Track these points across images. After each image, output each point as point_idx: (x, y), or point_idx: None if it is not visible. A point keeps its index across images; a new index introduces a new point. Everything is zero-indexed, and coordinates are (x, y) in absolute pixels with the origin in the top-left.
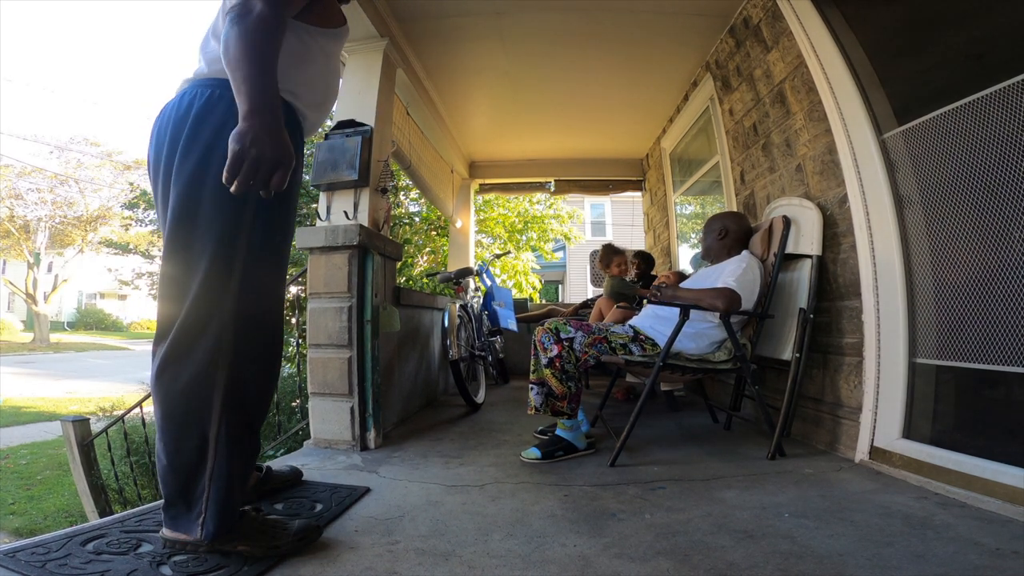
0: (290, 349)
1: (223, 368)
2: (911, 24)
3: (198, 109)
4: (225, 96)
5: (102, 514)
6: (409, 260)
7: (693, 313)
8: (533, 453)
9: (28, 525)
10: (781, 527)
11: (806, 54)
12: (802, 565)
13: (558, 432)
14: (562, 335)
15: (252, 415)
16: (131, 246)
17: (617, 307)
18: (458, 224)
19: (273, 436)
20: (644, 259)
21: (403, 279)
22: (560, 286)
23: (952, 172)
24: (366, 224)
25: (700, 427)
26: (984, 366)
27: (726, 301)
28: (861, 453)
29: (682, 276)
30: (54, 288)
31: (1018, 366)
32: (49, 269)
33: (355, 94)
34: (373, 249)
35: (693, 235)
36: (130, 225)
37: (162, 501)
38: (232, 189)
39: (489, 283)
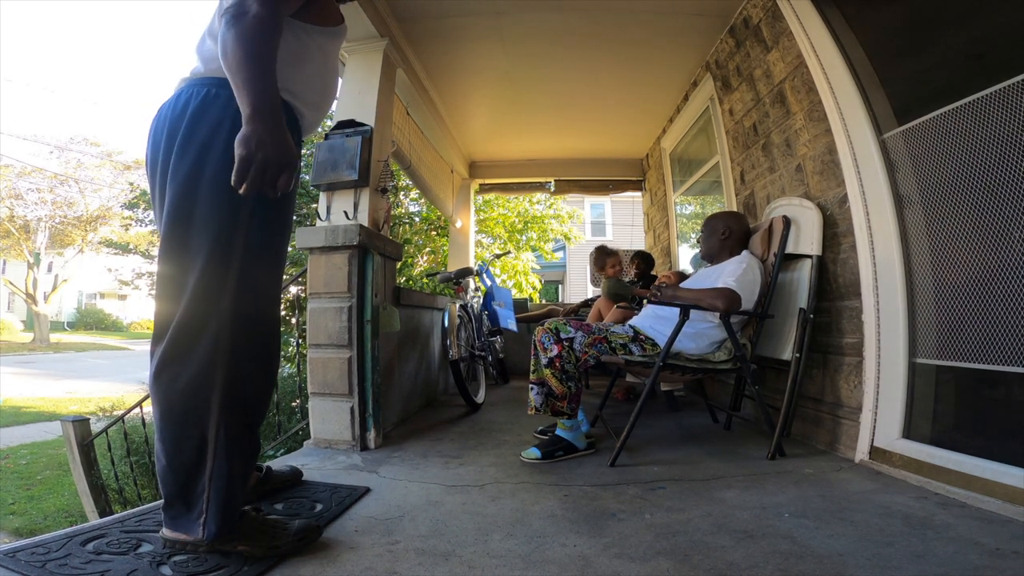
0: (290, 349)
1: (221, 367)
2: (911, 24)
3: (194, 108)
4: (221, 95)
5: (102, 514)
6: (409, 260)
7: (693, 313)
8: (533, 453)
9: (28, 525)
10: (781, 527)
11: (806, 54)
12: (802, 565)
13: (558, 432)
14: (562, 335)
15: (251, 415)
16: (131, 246)
17: (617, 307)
18: (458, 224)
19: (273, 436)
20: (644, 259)
21: (403, 279)
22: (560, 286)
23: (952, 172)
24: (366, 224)
25: (700, 427)
26: (984, 366)
27: (726, 301)
28: (861, 453)
29: (682, 276)
30: (54, 288)
31: (1018, 366)
32: (49, 269)
33: (355, 94)
34: (373, 249)
35: (693, 235)
36: (130, 225)
37: (162, 501)
38: (240, 191)
39: (489, 283)
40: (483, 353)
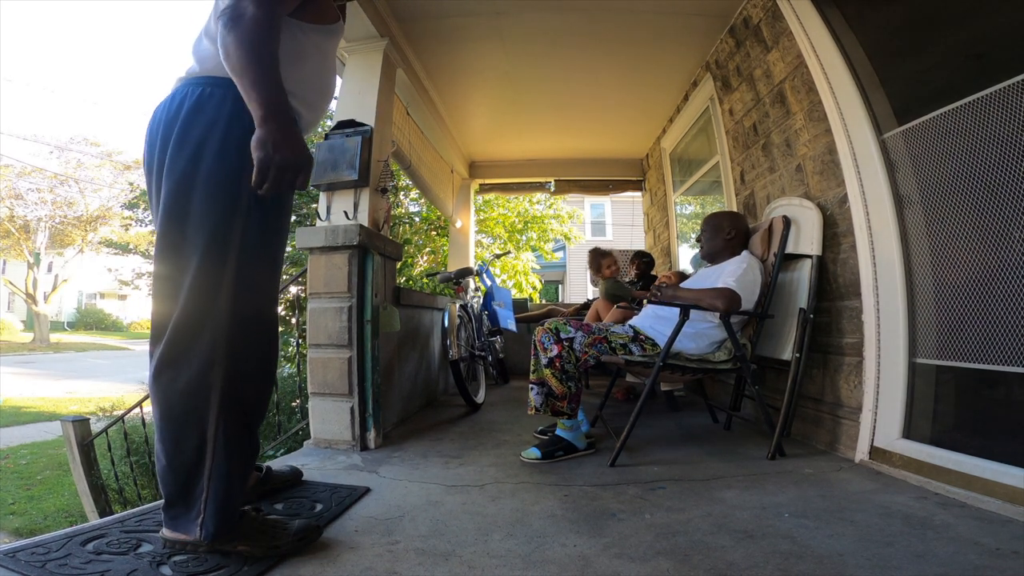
0: (290, 349)
1: (220, 367)
2: (911, 24)
3: (189, 107)
4: (215, 94)
5: (102, 514)
6: (409, 260)
7: (693, 313)
8: (533, 453)
9: (28, 525)
10: (781, 527)
11: (806, 54)
12: (802, 565)
13: (558, 432)
14: (562, 335)
15: (250, 414)
16: (131, 246)
17: (617, 307)
18: (458, 224)
19: (273, 436)
20: (644, 259)
21: (403, 279)
22: (560, 286)
23: (952, 172)
24: (366, 224)
25: (700, 427)
26: (984, 366)
27: (726, 301)
28: (861, 453)
29: (683, 276)
30: (54, 288)
31: (1018, 366)
32: (49, 269)
33: (355, 94)
34: (373, 249)
35: (693, 235)
36: (130, 225)
37: (162, 501)
38: (261, 192)
39: (489, 283)
40: (483, 353)
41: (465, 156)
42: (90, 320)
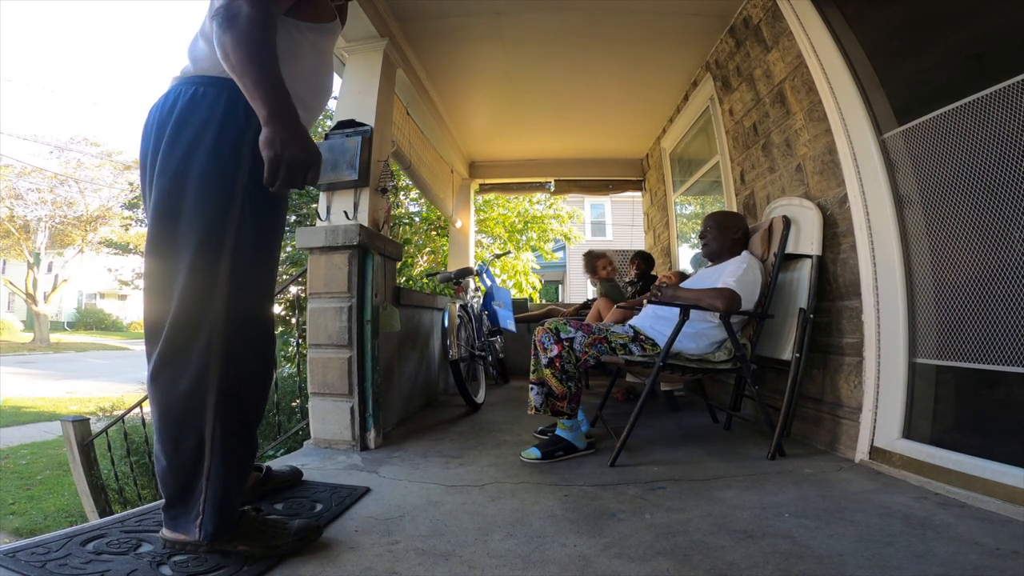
0: (290, 349)
1: (216, 367)
2: (911, 24)
3: (182, 106)
4: (209, 93)
5: (102, 514)
6: (409, 260)
7: (693, 313)
8: (533, 453)
9: (28, 525)
10: (781, 527)
11: (806, 54)
12: (802, 565)
13: (558, 432)
14: (562, 335)
15: (248, 414)
16: (131, 246)
17: (617, 307)
18: (458, 224)
19: (273, 436)
20: (644, 259)
21: (403, 279)
22: (560, 286)
23: (952, 172)
24: (366, 224)
25: (700, 427)
26: (984, 366)
27: (726, 301)
28: (861, 453)
29: (683, 276)
30: (54, 288)
31: (1018, 366)
32: (49, 269)
33: (355, 94)
34: (373, 249)
35: (693, 235)
36: (130, 225)
37: (162, 501)
38: (273, 190)
39: (489, 283)
40: (483, 353)
41: (465, 156)
42: (90, 320)
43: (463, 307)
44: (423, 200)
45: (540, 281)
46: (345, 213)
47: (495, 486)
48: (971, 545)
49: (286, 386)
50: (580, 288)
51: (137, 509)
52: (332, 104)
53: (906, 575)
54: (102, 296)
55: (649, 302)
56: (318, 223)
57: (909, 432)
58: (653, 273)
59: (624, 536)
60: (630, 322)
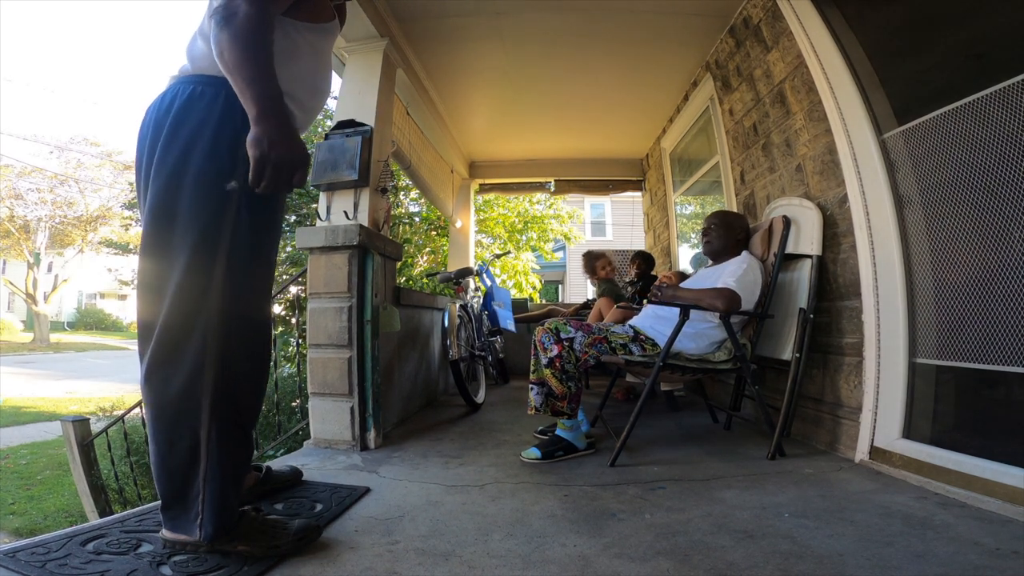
0: (290, 349)
1: (211, 368)
2: (911, 24)
3: (179, 106)
4: (207, 93)
5: (102, 514)
6: (409, 260)
7: (693, 313)
8: (533, 453)
9: (28, 525)
10: (781, 527)
11: (806, 54)
12: (802, 565)
13: (558, 432)
14: (562, 335)
15: (244, 415)
16: (131, 246)
17: (617, 307)
18: (458, 224)
19: (273, 436)
20: (644, 259)
21: (403, 279)
22: (560, 286)
23: (952, 172)
24: (366, 224)
25: (700, 427)
26: (984, 366)
27: (726, 301)
28: (861, 453)
29: (683, 276)
30: (54, 288)
31: (1018, 366)
32: (49, 269)
33: (355, 94)
34: (373, 249)
35: (693, 235)
36: (130, 225)
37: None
38: (258, 191)
39: (489, 283)
40: (483, 353)
41: (465, 156)
42: (90, 320)
43: (463, 307)
44: (423, 200)
45: (540, 281)
46: (345, 213)
47: (495, 486)
48: (971, 545)
49: (286, 386)
50: (580, 288)
51: (137, 509)
52: (332, 104)
53: (906, 575)
54: (102, 296)
55: (649, 302)
56: (318, 223)
57: (909, 432)
58: (653, 273)
59: (624, 536)
60: (630, 322)
